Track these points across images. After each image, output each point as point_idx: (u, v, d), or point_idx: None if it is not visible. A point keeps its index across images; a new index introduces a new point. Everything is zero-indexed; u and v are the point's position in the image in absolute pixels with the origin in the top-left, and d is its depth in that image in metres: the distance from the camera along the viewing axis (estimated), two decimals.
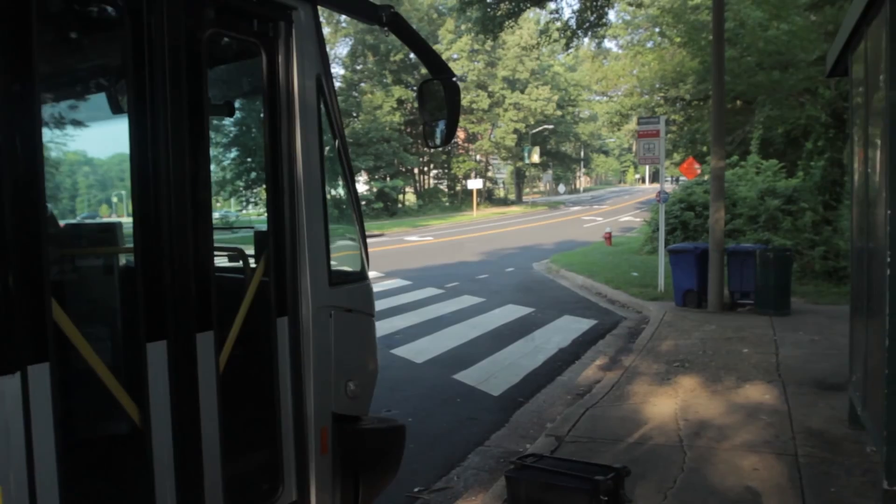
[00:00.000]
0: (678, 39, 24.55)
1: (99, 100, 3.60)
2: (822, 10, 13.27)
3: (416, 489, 4.53)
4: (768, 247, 11.05)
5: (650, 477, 4.20)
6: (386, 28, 3.40)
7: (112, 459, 2.67)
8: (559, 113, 61.42)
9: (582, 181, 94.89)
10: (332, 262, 3.10)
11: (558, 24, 16.55)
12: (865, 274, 4.48)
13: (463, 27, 35.85)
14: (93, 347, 2.26)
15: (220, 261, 3.16)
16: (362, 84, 51.92)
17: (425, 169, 58.75)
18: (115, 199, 5.06)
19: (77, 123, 3.53)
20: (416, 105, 37.50)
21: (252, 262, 3.13)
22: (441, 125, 3.65)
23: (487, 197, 59.98)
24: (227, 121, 3.53)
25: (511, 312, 11.52)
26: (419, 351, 8.66)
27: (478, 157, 60.47)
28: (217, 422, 2.53)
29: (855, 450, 4.55)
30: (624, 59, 34.49)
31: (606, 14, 18.41)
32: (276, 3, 2.80)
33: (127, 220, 2.89)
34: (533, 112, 57.07)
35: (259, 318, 2.85)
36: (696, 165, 15.00)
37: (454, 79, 3.61)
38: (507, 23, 15.25)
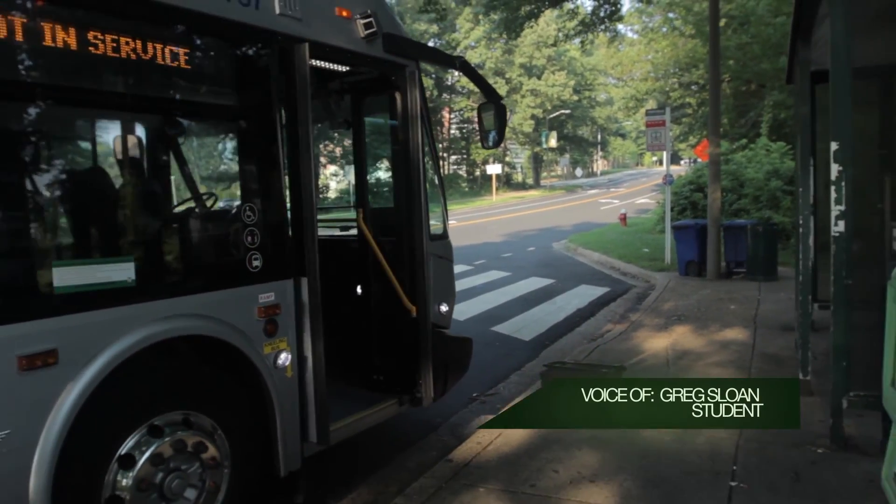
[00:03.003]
0: (689, 30, 25.85)
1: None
2: None
3: (474, 394, 6.27)
4: (758, 222, 12.61)
5: None
6: (458, 70, 5.08)
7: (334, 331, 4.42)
8: (576, 98, 62.63)
9: (599, 164, 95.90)
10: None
11: (574, 22, 17.99)
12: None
13: (485, 27, 36.89)
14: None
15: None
16: None
17: (444, 154, 60.28)
18: None
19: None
20: (436, 93, 39.03)
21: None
22: (493, 133, 5.32)
23: (506, 181, 61.41)
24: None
25: (534, 283, 13.17)
26: (460, 312, 10.29)
27: None
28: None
29: (794, 365, 6.20)
30: (638, 44, 35.54)
31: (619, 9, 19.80)
32: (397, 64, 4.49)
33: None
34: (550, 97, 58.37)
35: (399, 261, 4.59)
36: (709, 146, 16.25)
37: (502, 102, 5.29)
38: (527, 23, 16.78)
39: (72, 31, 2.72)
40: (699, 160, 22.00)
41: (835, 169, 3.92)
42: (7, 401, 2.53)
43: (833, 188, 3.93)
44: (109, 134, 3.25)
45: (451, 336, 5.06)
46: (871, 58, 6.22)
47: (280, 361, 3.57)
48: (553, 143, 59.28)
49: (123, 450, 2.96)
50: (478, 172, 59.99)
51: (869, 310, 4.48)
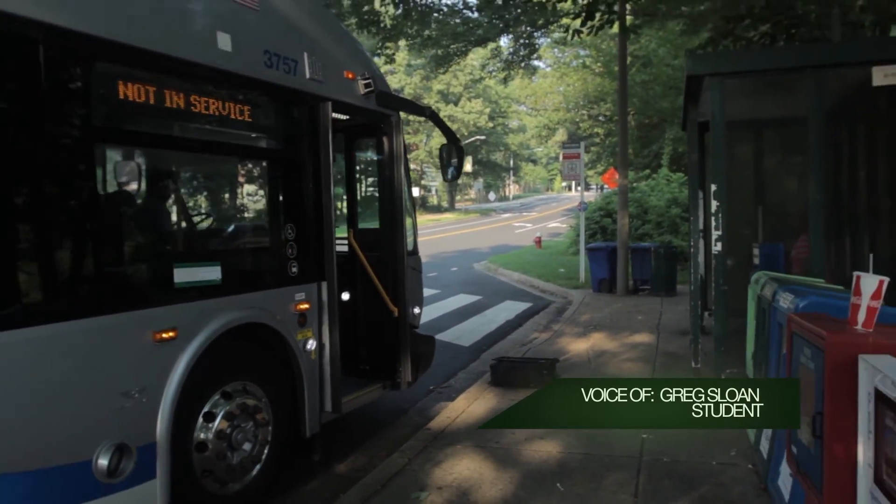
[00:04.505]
0: (598, 68, 27.99)
1: None
2: None
3: (431, 387, 7.41)
4: (660, 245, 14.35)
5: (570, 373, 7.20)
6: (428, 118, 6.26)
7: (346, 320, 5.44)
8: (490, 124, 65.03)
9: (511, 189, 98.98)
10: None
11: (496, 60, 19.62)
12: None
13: (405, 54, 38.20)
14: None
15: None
16: None
17: (361, 177, 61.06)
18: None
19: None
20: None
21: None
22: (451, 169, 6.53)
23: (422, 204, 62.82)
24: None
25: (463, 299, 14.41)
26: None
27: (412, 166, 63.25)
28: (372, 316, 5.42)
29: (689, 360, 7.66)
30: (551, 77, 37.71)
31: (537, 49, 21.61)
32: (385, 114, 5.65)
33: None
34: (466, 124, 60.45)
35: (385, 272, 5.70)
36: (617, 176, 17.94)
37: (461, 144, 6.52)
38: (454, 60, 18.27)
39: (190, 98, 3.80)
40: (606, 187, 23.87)
41: (714, 204, 5.34)
42: (145, 363, 3.50)
43: (713, 219, 5.35)
44: (207, 176, 4.27)
45: (420, 334, 6.21)
46: (746, 113, 7.88)
47: (308, 346, 4.62)
48: (468, 167, 61.15)
49: (206, 408, 3.95)
50: None
51: (742, 316, 5.96)
